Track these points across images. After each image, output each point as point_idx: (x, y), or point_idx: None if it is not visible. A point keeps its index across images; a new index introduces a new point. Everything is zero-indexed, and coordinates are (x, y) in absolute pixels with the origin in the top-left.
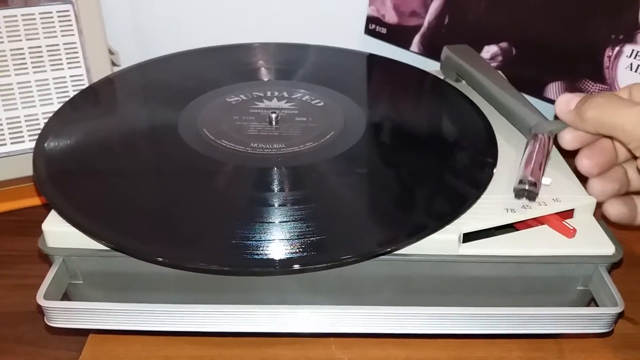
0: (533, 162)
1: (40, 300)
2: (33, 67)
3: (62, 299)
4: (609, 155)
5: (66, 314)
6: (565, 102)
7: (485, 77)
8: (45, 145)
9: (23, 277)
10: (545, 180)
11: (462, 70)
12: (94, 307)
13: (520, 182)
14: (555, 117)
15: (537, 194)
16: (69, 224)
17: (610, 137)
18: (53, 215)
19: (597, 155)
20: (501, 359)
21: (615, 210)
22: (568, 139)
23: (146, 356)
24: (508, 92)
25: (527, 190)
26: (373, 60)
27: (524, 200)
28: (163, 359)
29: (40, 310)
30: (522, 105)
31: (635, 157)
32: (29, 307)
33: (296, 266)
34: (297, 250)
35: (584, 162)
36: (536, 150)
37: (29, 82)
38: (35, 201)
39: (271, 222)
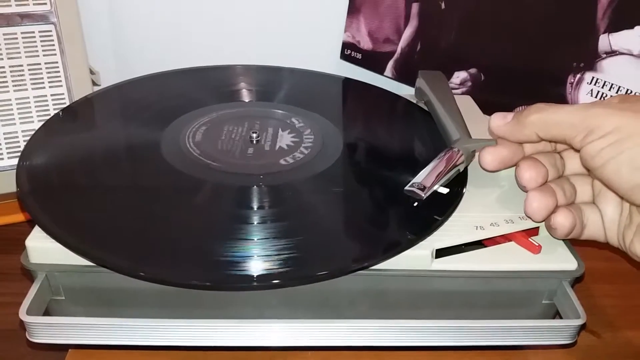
0: (432, 169)
1: (23, 315)
2: (14, 86)
3: (43, 315)
4: (545, 168)
5: (48, 330)
6: (501, 117)
7: (437, 99)
8: (29, 162)
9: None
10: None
11: (422, 93)
12: (76, 322)
13: (412, 184)
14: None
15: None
16: (52, 240)
17: (549, 141)
18: (37, 232)
19: (537, 165)
20: None
21: (566, 221)
22: (489, 160)
23: None
24: (448, 111)
25: (414, 192)
26: (349, 84)
27: (492, 218)
28: None
29: (22, 326)
30: (451, 123)
31: (577, 151)
32: (5, 325)
33: (275, 282)
34: (276, 267)
35: (526, 175)
36: (441, 161)
37: (10, 100)
38: (12, 219)
39: (250, 240)
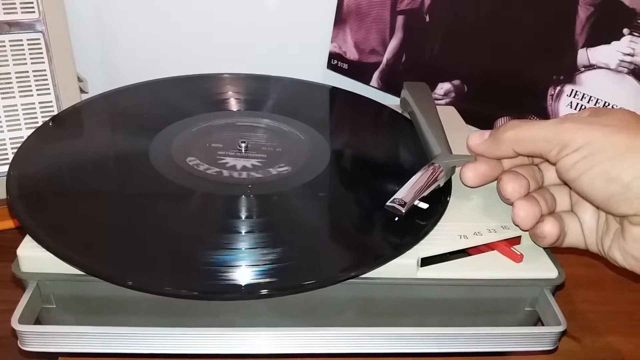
0: (412, 185)
1: (15, 324)
2: (2, 93)
3: (34, 324)
4: (526, 179)
5: (40, 338)
6: (478, 135)
7: (420, 112)
8: (19, 170)
9: None
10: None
11: (407, 104)
12: (67, 331)
13: (393, 200)
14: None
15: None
16: (43, 249)
17: (526, 156)
18: (28, 241)
19: (519, 178)
20: None
21: (554, 229)
22: (470, 176)
23: None
24: (430, 125)
25: (395, 207)
26: (337, 93)
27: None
28: None
29: (14, 334)
30: (433, 137)
31: (553, 164)
32: None
33: (262, 291)
34: (263, 276)
35: (509, 187)
36: (421, 176)
37: None
38: (0, 226)
39: (238, 249)
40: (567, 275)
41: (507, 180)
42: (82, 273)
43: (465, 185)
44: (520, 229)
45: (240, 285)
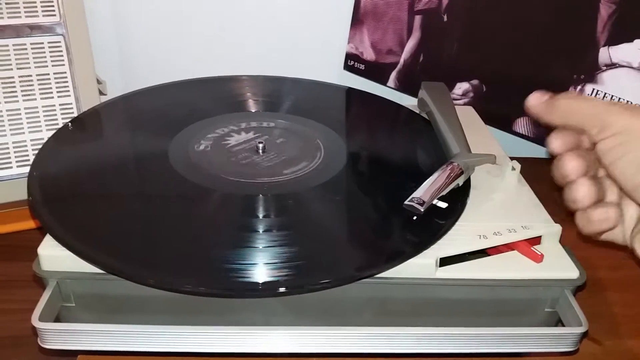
0: (430, 184)
1: (35, 322)
2: (23, 95)
3: (54, 322)
4: (586, 161)
5: (60, 336)
6: (537, 96)
7: (439, 112)
8: (40, 171)
9: (7, 302)
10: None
11: (425, 104)
12: (87, 328)
13: (411, 199)
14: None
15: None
16: (63, 248)
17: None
18: (48, 240)
19: (581, 157)
20: None
21: (615, 214)
22: (557, 144)
23: None
24: (449, 125)
25: (413, 207)
26: (354, 94)
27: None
28: None
29: (34, 332)
30: (452, 136)
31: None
32: (12, 331)
33: (280, 289)
34: (281, 274)
35: (571, 164)
36: (440, 175)
37: (19, 109)
38: (20, 226)
39: (256, 247)
40: (589, 278)
41: (570, 158)
42: (102, 272)
43: (551, 152)
44: (574, 207)
45: (259, 283)
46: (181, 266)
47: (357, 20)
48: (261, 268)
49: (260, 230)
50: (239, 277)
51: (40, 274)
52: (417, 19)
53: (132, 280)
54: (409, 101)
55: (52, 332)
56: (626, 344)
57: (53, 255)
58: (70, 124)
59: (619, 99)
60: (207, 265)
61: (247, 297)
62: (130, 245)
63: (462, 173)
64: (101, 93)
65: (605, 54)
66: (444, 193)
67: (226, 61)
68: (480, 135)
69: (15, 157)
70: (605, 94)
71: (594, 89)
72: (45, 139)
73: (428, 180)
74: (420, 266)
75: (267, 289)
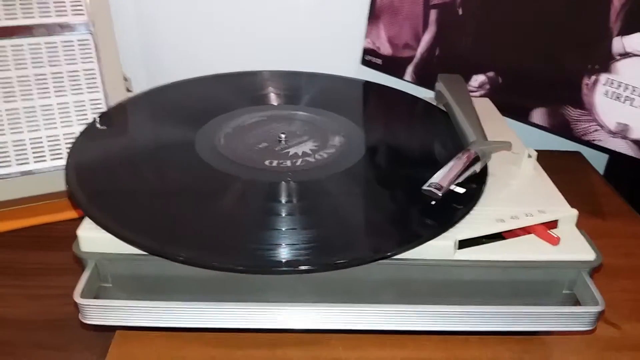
0: (448, 170)
1: (77, 298)
2: (55, 92)
3: None
4: None
5: (100, 311)
6: None
7: (455, 102)
8: (75, 159)
9: (40, 288)
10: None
11: (442, 96)
12: (125, 305)
13: (429, 184)
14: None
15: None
16: (101, 230)
17: None
18: (87, 223)
19: None
20: (494, 359)
21: None
22: None
23: (165, 355)
24: (465, 114)
25: (431, 191)
26: (371, 87)
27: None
28: (182, 359)
29: (76, 307)
30: (469, 126)
31: None
32: (47, 315)
33: (303, 267)
34: (305, 253)
35: None
36: (457, 162)
37: (51, 105)
38: (54, 217)
39: (279, 229)
40: (606, 265)
41: None
42: (137, 252)
43: None
44: None
45: (284, 262)
46: (210, 245)
47: (374, 15)
48: (284, 247)
49: (284, 214)
50: (264, 255)
51: (80, 254)
52: (433, 13)
53: (165, 257)
54: (425, 95)
55: (92, 307)
56: None
57: (91, 237)
58: (96, 119)
59: (634, 88)
60: (236, 244)
61: (274, 274)
62: (163, 227)
63: (478, 160)
64: (128, 90)
65: (619, 43)
66: (461, 179)
67: (247, 57)
68: (497, 125)
69: (50, 150)
70: (620, 83)
71: (608, 78)
72: (77, 133)
73: (445, 166)
74: (440, 248)
75: (292, 266)
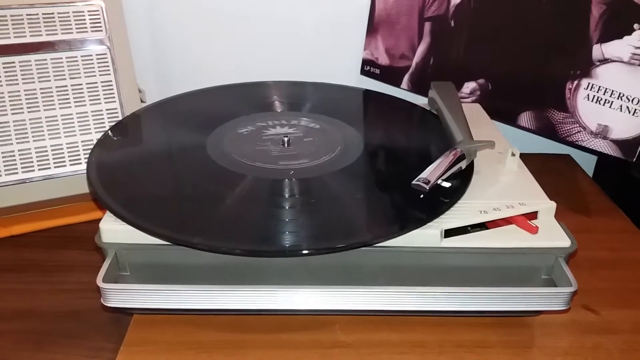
0: (436, 166)
1: (100, 282)
2: (75, 102)
3: None
4: None
5: (120, 294)
6: None
7: (445, 106)
8: (97, 161)
9: (61, 284)
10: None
11: (434, 102)
12: (143, 288)
13: (418, 179)
14: None
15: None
16: (120, 222)
17: None
18: (108, 216)
19: None
20: (482, 341)
21: None
22: None
23: (179, 340)
24: (453, 117)
25: (419, 185)
26: (369, 94)
27: (499, 204)
28: (194, 343)
29: (98, 291)
30: (456, 127)
31: None
32: (69, 307)
33: (305, 251)
34: (306, 239)
35: None
36: (444, 159)
37: (71, 114)
38: (72, 220)
39: (283, 220)
40: (590, 257)
41: None
42: (153, 242)
43: None
44: None
45: (287, 246)
46: (220, 233)
47: (372, 28)
48: (287, 234)
49: (287, 206)
50: (272, 241)
51: (101, 245)
52: (427, 25)
53: (180, 244)
54: (422, 101)
55: (113, 291)
56: (623, 312)
57: (111, 229)
58: (118, 124)
59: (612, 91)
60: (245, 231)
61: (275, 257)
62: (177, 219)
63: (464, 157)
64: (142, 101)
65: (598, 50)
66: (447, 175)
67: (254, 68)
68: (486, 128)
69: (69, 156)
70: (600, 87)
71: (589, 83)
72: (94, 141)
73: (433, 163)
74: (427, 236)
75: (292, 250)
